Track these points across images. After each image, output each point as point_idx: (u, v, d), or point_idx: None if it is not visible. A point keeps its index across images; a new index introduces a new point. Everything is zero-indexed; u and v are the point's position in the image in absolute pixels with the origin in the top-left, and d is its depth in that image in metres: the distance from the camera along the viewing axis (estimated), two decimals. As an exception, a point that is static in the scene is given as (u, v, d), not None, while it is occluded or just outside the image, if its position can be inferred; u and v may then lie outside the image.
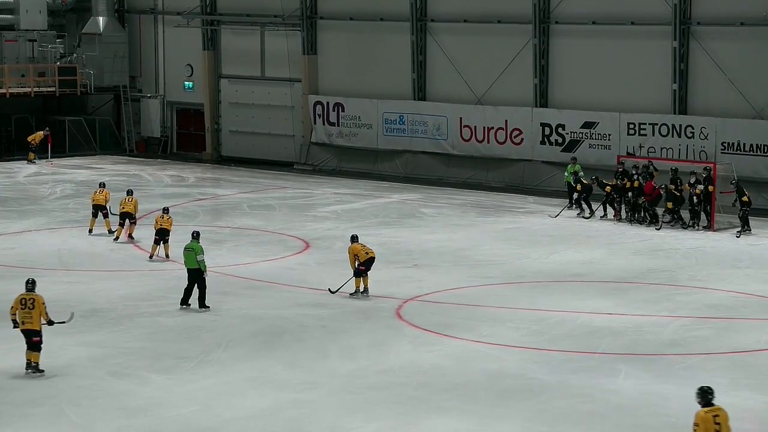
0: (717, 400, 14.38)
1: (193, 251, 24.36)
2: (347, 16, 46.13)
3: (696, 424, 14.10)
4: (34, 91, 50.18)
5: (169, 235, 28.94)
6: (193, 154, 50.57)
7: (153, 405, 18.47)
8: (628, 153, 38.08)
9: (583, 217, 35.42)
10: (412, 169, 44.30)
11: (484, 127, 42.78)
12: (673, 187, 33.84)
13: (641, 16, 39.70)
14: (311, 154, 46.92)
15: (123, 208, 31.72)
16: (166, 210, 29.76)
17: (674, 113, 38.94)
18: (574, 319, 23.86)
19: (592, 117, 40.40)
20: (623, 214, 35.02)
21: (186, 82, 51.26)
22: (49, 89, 50.63)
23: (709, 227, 33.68)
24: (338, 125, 46.18)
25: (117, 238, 31.69)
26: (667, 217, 34.05)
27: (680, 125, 38.60)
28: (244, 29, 48.82)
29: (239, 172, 46.28)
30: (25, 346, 19.97)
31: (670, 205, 33.89)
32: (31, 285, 20.30)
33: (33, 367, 19.94)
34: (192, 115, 51.38)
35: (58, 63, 51.34)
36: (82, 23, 52.81)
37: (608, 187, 35.04)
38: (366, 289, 25.55)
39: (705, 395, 14.34)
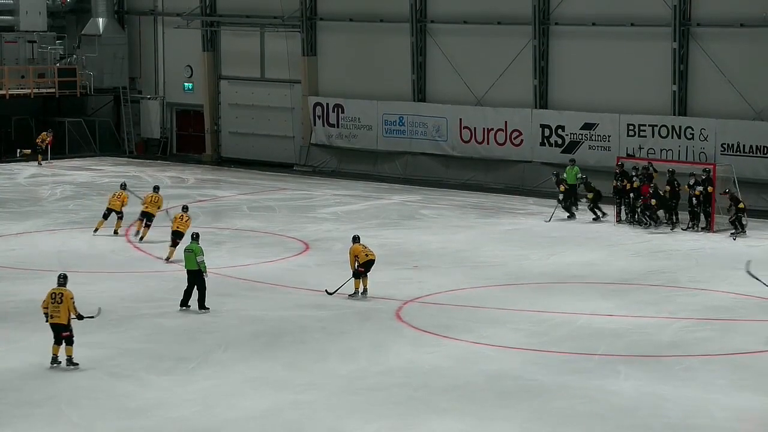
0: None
1: (193, 253, 24.38)
2: (347, 18, 46.11)
3: None
4: (34, 93, 50.16)
5: (181, 239, 28.39)
6: (193, 155, 50.54)
7: (153, 406, 18.48)
8: (627, 154, 38.08)
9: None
10: (412, 171, 44.28)
11: (483, 129, 42.77)
12: (668, 188, 33.78)
13: (641, 18, 39.69)
14: (311, 156, 46.90)
15: (146, 207, 31.43)
16: (185, 208, 29.54)
17: (674, 114, 38.93)
18: (574, 321, 23.86)
19: (592, 118, 40.38)
20: (623, 216, 35.02)
21: (186, 84, 51.23)
22: (48, 90, 50.61)
23: (708, 228, 33.70)
24: (338, 126, 46.16)
25: (142, 237, 31.42)
26: (646, 216, 34.00)
27: (680, 126, 38.59)
28: (244, 30, 48.80)
29: (239, 173, 46.27)
30: (53, 340, 20.16)
31: (654, 202, 33.82)
32: (63, 279, 20.41)
33: (68, 361, 20.05)
34: (192, 116, 51.34)
35: (58, 64, 51.29)
36: (82, 24, 52.77)
37: (590, 194, 35.03)
38: (365, 290, 25.57)
39: None
